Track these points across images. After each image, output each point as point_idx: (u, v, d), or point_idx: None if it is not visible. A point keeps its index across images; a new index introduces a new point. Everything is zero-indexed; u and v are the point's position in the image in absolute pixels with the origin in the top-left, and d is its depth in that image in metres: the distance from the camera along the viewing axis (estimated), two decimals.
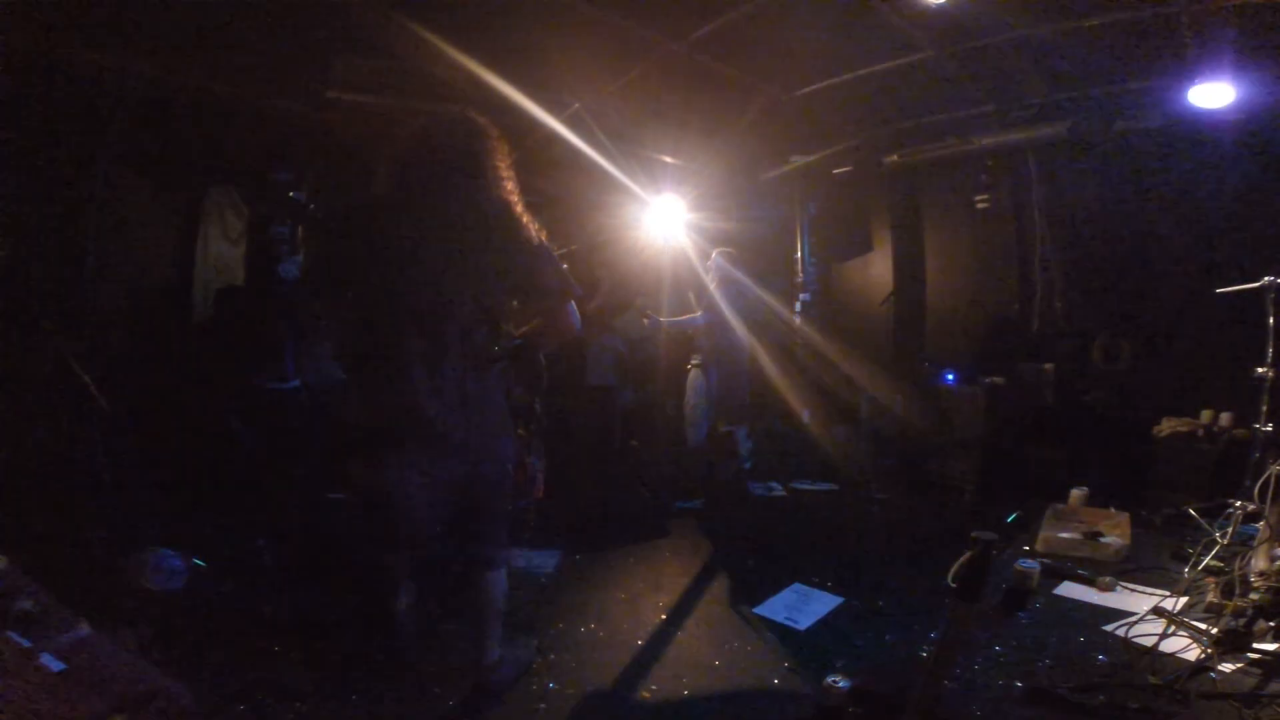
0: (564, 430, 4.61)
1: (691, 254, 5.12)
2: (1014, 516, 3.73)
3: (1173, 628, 2.32)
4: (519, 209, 1.95)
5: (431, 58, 3.25)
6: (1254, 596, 2.32)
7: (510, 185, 1.95)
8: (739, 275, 4.70)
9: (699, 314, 4.81)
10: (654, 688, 2.26)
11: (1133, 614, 2.48)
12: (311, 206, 3.29)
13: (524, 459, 2.24)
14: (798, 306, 5.84)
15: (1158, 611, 2.46)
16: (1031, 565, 2.71)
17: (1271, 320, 2.83)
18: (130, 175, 3.26)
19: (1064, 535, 3.18)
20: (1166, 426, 3.89)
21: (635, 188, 4.78)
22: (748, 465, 4.83)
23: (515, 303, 2.07)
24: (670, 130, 4.70)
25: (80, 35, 2.76)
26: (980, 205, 4.79)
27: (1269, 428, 2.85)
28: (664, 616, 2.79)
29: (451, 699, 2.13)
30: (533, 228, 1.96)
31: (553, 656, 2.41)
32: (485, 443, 1.98)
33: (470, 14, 3.11)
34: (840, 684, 2.01)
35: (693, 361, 4.98)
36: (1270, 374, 2.86)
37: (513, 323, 2.10)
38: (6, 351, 2.69)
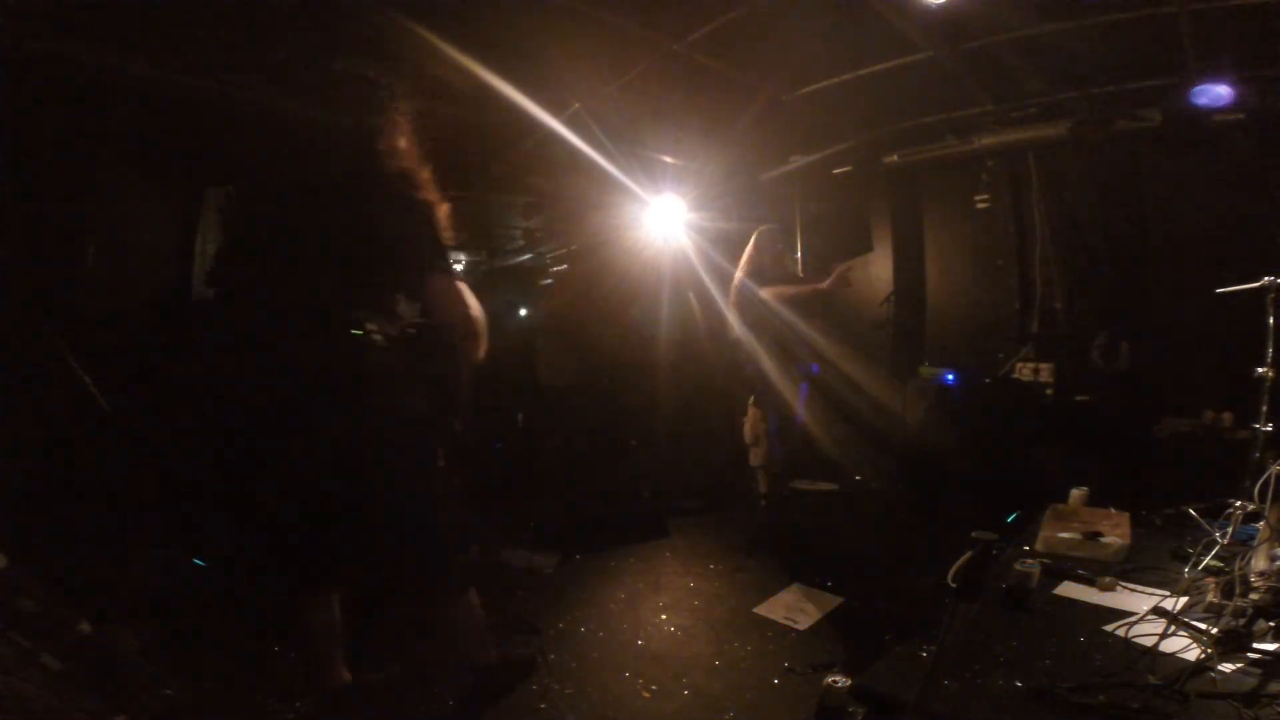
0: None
1: (692, 254, 5.12)
2: (1014, 516, 3.73)
3: (1173, 628, 2.32)
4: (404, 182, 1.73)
5: (432, 58, 3.25)
6: (1254, 596, 2.32)
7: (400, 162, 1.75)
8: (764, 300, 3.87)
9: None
10: (654, 688, 2.26)
11: (1133, 614, 2.48)
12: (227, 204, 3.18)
13: (445, 494, 1.85)
14: None
15: (1158, 611, 2.46)
16: (1031, 565, 2.73)
17: (1271, 320, 2.83)
18: (130, 175, 3.26)
19: (1064, 535, 3.17)
20: (1166, 426, 3.89)
21: (635, 188, 4.78)
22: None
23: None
24: (670, 130, 4.70)
25: (80, 35, 2.76)
26: (980, 205, 4.78)
27: (1269, 428, 2.85)
28: (664, 616, 2.79)
29: (451, 699, 2.13)
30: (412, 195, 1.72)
31: (553, 656, 2.41)
32: (373, 453, 1.68)
33: (470, 14, 3.11)
34: (840, 684, 2.01)
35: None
36: (1270, 374, 2.86)
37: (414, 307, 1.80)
38: (6, 351, 2.68)
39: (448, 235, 1.74)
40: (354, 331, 1.61)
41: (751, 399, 4.00)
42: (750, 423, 4.01)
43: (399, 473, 1.73)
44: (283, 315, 1.66)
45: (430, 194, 1.72)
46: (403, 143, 1.75)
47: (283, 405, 1.65)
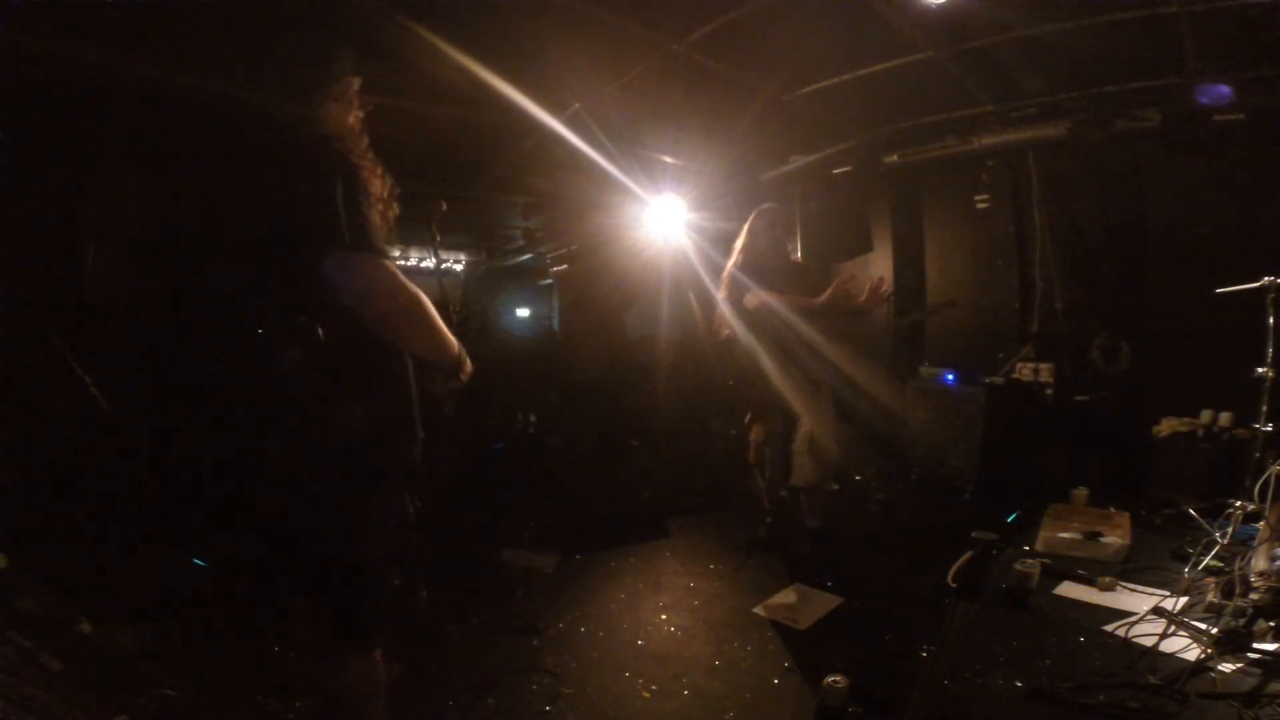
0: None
1: (692, 254, 5.12)
2: (1014, 516, 3.73)
3: (1173, 628, 2.32)
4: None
5: (432, 58, 3.25)
6: (1254, 596, 2.32)
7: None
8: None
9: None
10: (654, 688, 2.26)
11: (1133, 614, 2.48)
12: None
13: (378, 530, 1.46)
14: None
15: (1158, 611, 2.46)
16: (1031, 565, 2.73)
17: (1271, 320, 2.84)
18: (130, 175, 3.26)
19: (1064, 535, 3.18)
20: (1166, 426, 3.90)
21: (635, 188, 4.78)
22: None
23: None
24: (670, 130, 4.70)
25: (80, 35, 2.76)
26: (980, 205, 4.79)
27: (1269, 428, 2.85)
28: (664, 616, 2.79)
29: (451, 699, 2.14)
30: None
31: (552, 657, 2.42)
32: (298, 467, 1.38)
33: (470, 14, 3.11)
34: (840, 684, 2.02)
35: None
36: (1270, 374, 2.86)
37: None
38: (6, 351, 2.69)
39: (378, 209, 1.41)
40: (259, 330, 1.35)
41: (748, 416, 3.51)
42: (754, 445, 3.54)
43: (310, 499, 1.40)
44: (176, 317, 1.48)
45: (361, 160, 1.42)
46: (335, 108, 1.50)
47: (183, 415, 1.48)
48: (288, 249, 1.34)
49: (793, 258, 3.40)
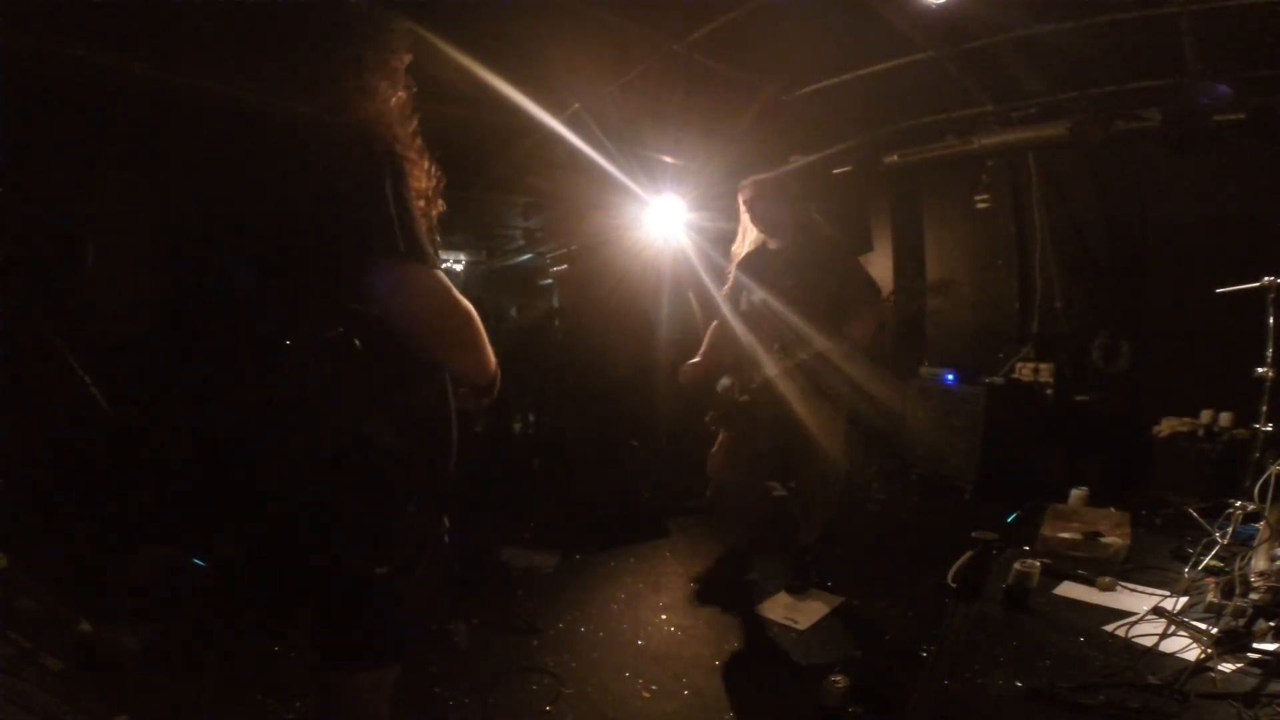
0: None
1: (692, 254, 5.12)
2: (1014, 516, 3.73)
3: (1173, 628, 2.32)
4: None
5: (432, 58, 3.25)
6: (1254, 596, 2.32)
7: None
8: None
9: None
10: (654, 688, 2.26)
11: (1133, 614, 2.48)
12: None
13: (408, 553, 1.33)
14: None
15: (1158, 611, 2.46)
16: (1031, 565, 2.73)
17: (1271, 320, 2.84)
18: (130, 175, 3.26)
19: (1064, 535, 3.18)
20: (1166, 426, 3.90)
21: (635, 188, 4.78)
22: None
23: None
24: (670, 130, 4.70)
25: (80, 35, 2.76)
26: (980, 205, 4.79)
27: (1269, 428, 2.85)
28: (664, 616, 2.79)
29: (451, 699, 2.14)
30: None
31: (552, 657, 2.42)
32: (301, 476, 1.25)
33: (470, 14, 3.11)
34: (840, 683, 2.02)
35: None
36: (1270, 374, 2.86)
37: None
38: (7, 351, 2.69)
39: (419, 205, 1.28)
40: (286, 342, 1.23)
41: (709, 415, 3.00)
42: (712, 457, 3.04)
43: (317, 507, 1.28)
44: (178, 318, 1.39)
45: (406, 151, 1.29)
46: (383, 86, 1.35)
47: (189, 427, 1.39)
48: (317, 252, 1.20)
49: (784, 243, 2.95)
